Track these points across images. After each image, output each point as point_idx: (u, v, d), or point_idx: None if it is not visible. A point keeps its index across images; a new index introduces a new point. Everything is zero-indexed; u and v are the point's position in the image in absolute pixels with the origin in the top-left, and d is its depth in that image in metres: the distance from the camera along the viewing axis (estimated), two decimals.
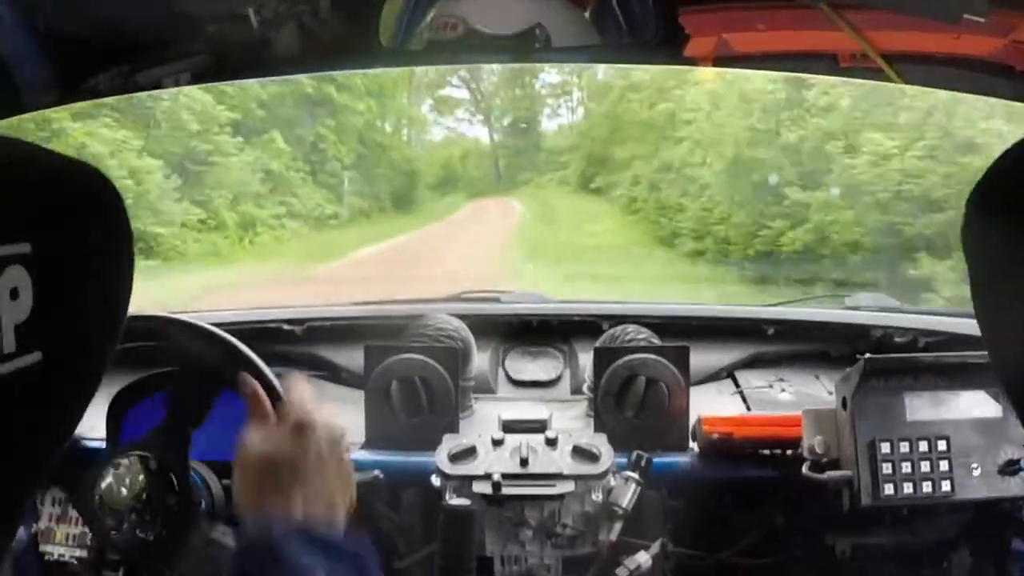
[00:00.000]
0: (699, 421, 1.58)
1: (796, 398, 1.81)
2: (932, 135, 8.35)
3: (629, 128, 13.51)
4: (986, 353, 1.47)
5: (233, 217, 10.72)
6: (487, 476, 1.45)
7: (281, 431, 0.95)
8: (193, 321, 1.17)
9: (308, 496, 0.90)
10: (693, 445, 1.62)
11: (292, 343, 1.95)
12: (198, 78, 1.18)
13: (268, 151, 11.58)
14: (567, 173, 15.33)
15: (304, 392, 1.00)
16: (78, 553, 1.50)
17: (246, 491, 0.93)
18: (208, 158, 10.55)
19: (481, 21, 1.23)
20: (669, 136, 12.26)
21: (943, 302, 6.62)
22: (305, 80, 10.76)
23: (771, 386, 1.86)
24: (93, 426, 1.41)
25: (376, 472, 1.47)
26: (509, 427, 1.58)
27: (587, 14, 1.32)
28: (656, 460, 1.52)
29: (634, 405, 1.63)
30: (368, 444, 1.64)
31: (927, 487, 1.43)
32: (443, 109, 16.34)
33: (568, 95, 16.58)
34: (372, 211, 13.49)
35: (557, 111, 16.94)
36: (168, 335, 1.16)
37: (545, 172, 15.69)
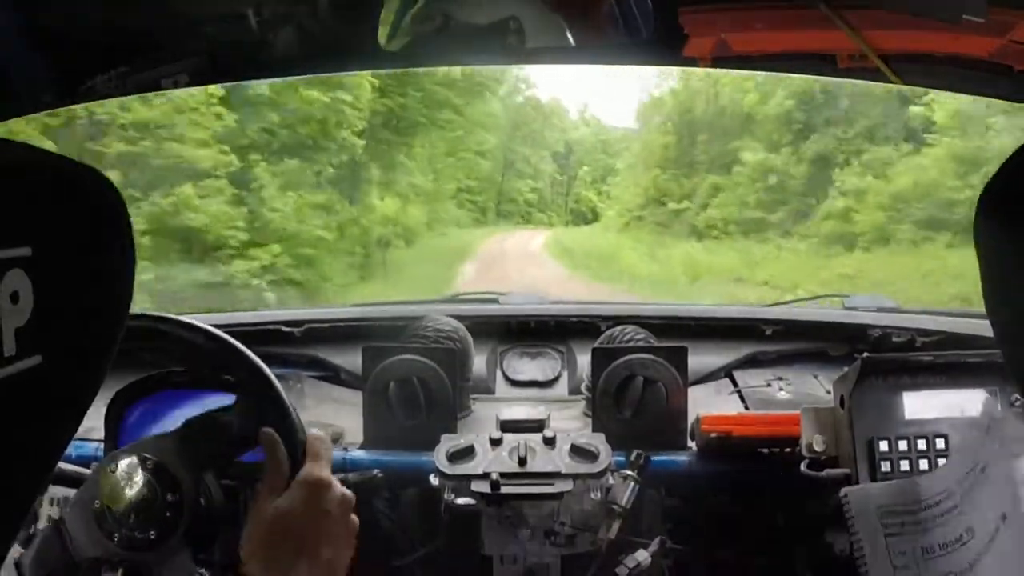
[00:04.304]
0: (697, 420, 1.58)
1: (794, 397, 1.81)
2: None
3: None
4: (984, 352, 1.47)
5: None
6: (486, 476, 1.45)
7: (297, 494, 0.98)
8: (194, 322, 1.17)
9: (314, 564, 0.94)
10: (692, 444, 1.62)
11: (291, 344, 1.95)
12: (196, 79, 1.18)
13: None
14: None
15: (326, 452, 1.03)
16: None
17: (255, 550, 0.95)
18: None
19: (464, 16, 1.22)
20: None
21: None
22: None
23: (769, 385, 1.86)
24: (92, 426, 1.41)
25: (375, 472, 1.47)
26: (507, 427, 1.58)
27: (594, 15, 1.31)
28: (655, 459, 1.53)
29: (632, 405, 1.63)
30: (367, 444, 1.64)
31: None
32: None
33: None
34: None
35: None
36: (168, 336, 1.15)
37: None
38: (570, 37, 1.28)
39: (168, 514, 1.09)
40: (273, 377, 1.12)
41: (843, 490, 1.36)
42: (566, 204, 23.92)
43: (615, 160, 22.60)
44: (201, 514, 1.12)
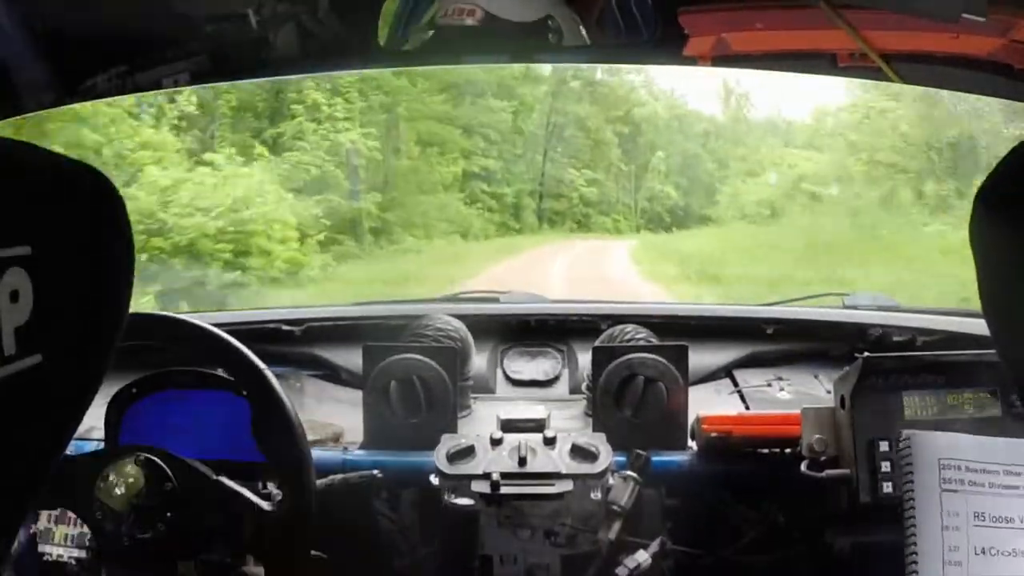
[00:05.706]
0: (698, 420, 1.58)
1: (795, 397, 1.81)
2: None
3: None
4: (984, 352, 1.47)
5: None
6: (486, 475, 1.45)
7: None
8: (195, 322, 1.17)
9: None
10: (692, 444, 1.62)
11: (291, 343, 1.95)
12: (197, 78, 1.18)
13: None
14: None
15: None
16: (77, 554, 1.50)
17: None
18: None
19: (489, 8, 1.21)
20: None
21: None
22: None
23: (770, 385, 1.86)
24: (92, 426, 1.41)
25: (375, 472, 1.47)
26: (508, 426, 1.58)
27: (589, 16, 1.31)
28: (655, 459, 1.53)
29: (633, 404, 1.63)
30: (367, 444, 1.64)
31: None
32: None
33: None
34: None
35: None
36: (167, 335, 1.16)
37: None
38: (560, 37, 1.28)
39: (167, 514, 1.10)
40: (271, 375, 1.12)
41: (905, 432, 1.28)
42: (635, 203, 16.15)
43: (694, 144, 15.76)
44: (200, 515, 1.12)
